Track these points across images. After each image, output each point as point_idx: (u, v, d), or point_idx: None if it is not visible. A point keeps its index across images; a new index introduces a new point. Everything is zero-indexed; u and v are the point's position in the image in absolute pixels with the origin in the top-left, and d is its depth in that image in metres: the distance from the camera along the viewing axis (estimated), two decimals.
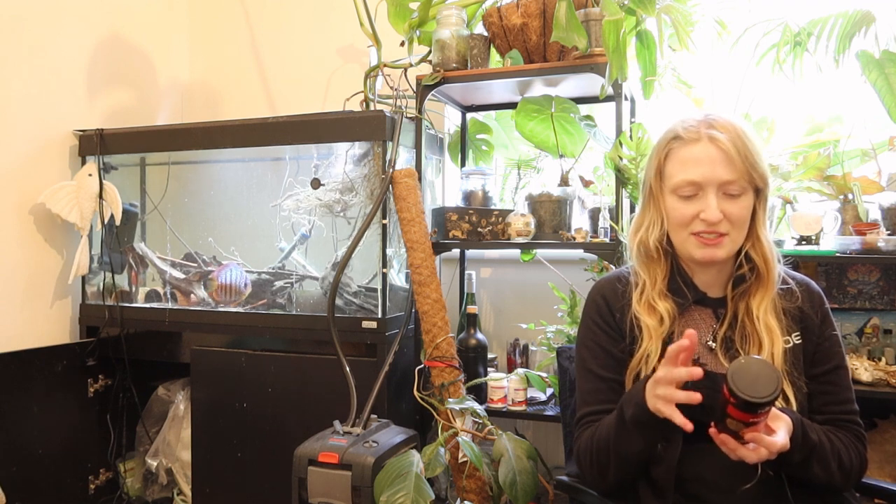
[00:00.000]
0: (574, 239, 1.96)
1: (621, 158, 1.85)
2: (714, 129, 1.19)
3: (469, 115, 2.41)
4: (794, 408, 1.17)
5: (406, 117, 2.12)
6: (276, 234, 2.40)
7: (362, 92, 2.27)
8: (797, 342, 1.23)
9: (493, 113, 2.41)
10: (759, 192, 1.22)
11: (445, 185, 2.49)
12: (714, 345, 1.22)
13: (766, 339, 1.19)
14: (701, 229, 1.19)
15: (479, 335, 2.14)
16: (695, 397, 1.03)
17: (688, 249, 1.23)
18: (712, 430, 1.05)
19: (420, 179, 2.07)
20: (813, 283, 1.30)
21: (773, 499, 1.15)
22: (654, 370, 1.19)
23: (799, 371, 1.21)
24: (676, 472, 1.16)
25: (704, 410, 1.05)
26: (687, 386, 1.05)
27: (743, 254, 1.24)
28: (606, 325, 1.29)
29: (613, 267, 1.87)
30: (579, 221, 2.08)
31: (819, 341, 1.24)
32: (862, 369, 1.74)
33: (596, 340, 1.29)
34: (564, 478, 1.37)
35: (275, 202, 2.32)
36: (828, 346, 1.24)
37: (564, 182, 2.08)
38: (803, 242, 1.82)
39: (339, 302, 2.15)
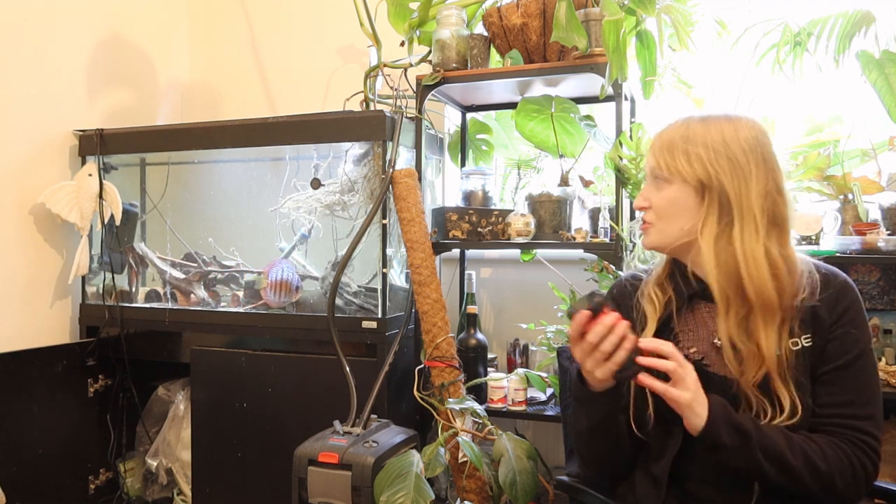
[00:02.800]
0: (574, 239, 1.96)
1: (621, 158, 1.85)
2: (679, 120, 1.19)
3: (469, 115, 2.41)
4: (799, 413, 1.10)
5: (406, 117, 2.11)
6: (276, 233, 2.40)
7: (362, 92, 2.27)
8: (807, 345, 1.15)
9: (493, 113, 2.41)
10: (705, 191, 1.13)
11: (445, 185, 2.49)
12: (720, 343, 1.16)
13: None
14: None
15: (479, 335, 2.14)
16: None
17: None
18: None
19: (420, 179, 2.07)
20: (841, 281, 1.18)
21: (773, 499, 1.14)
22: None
23: (806, 376, 1.14)
24: (676, 469, 1.16)
25: None
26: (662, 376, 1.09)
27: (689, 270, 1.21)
28: None
29: (613, 267, 1.88)
30: (579, 221, 2.08)
31: (828, 339, 1.16)
32: None
33: None
34: (564, 478, 1.37)
35: (274, 207, 2.32)
36: (836, 344, 1.16)
37: (564, 182, 2.08)
38: (803, 242, 1.82)
39: (339, 302, 2.15)
